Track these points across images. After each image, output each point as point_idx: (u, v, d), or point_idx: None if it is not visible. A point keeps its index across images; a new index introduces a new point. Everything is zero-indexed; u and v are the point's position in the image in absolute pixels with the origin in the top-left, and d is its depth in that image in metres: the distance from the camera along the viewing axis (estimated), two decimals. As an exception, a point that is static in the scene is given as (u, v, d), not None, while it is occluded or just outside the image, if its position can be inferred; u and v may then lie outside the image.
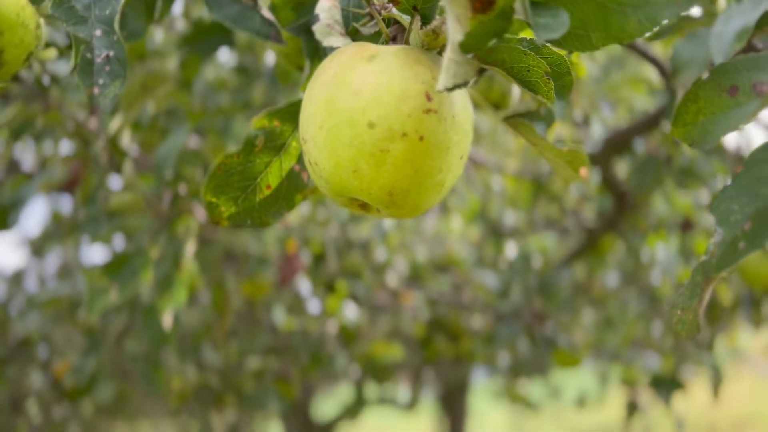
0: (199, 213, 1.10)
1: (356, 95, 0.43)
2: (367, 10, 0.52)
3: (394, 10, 0.48)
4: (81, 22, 0.51)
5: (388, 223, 1.57)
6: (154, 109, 1.08)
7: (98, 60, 0.51)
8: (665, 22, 0.39)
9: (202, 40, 1.03)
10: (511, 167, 1.83)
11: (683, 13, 0.38)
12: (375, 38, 0.53)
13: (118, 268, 0.87)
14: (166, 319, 1.01)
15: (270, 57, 1.30)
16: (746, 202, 0.40)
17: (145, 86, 0.93)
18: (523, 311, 1.62)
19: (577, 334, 1.84)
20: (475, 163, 1.77)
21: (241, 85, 1.53)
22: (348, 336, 1.59)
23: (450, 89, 0.39)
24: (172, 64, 1.09)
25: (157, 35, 1.52)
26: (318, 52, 0.63)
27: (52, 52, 0.95)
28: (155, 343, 1.06)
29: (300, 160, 0.56)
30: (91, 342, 1.33)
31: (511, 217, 1.93)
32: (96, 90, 0.50)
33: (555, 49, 0.45)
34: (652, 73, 1.52)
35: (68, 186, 1.26)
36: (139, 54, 1.17)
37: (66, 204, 2.10)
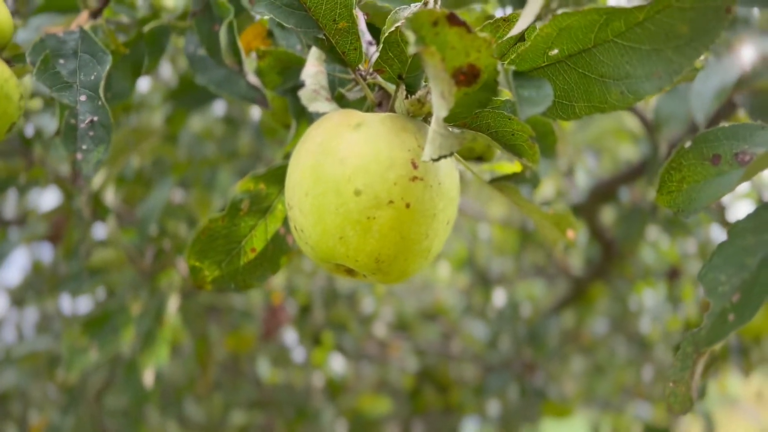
0: (183, 267, 1.08)
1: (342, 163, 0.43)
2: (353, 75, 0.52)
3: (379, 77, 0.48)
4: (65, 88, 0.51)
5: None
6: (138, 162, 1.08)
7: (82, 125, 0.51)
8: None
9: (188, 94, 1.04)
10: (498, 215, 1.84)
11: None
12: (360, 103, 0.54)
13: (98, 326, 0.85)
14: (148, 377, 0.98)
15: (256, 110, 1.31)
16: (733, 273, 0.40)
17: (131, 141, 0.93)
18: (512, 361, 1.60)
19: (568, 383, 1.82)
20: (461, 211, 1.78)
21: (227, 135, 1.54)
22: (334, 389, 1.56)
23: (436, 160, 0.39)
24: (157, 118, 1.09)
25: (143, 85, 1.52)
26: (304, 113, 0.64)
27: (37, 103, 0.95)
28: (137, 400, 1.03)
29: (285, 222, 0.55)
30: (70, 398, 1.29)
31: (498, 265, 1.93)
32: (79, 155, 0.50)
33: (539, 116, 0.45)
34: (635, 123, 1.55)
35: (51, 237, 1.25)
36: (125, 107, 1.17)
37: (47, 253, 2.07)
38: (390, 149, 0.43)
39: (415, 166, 0.43)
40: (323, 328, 1.45)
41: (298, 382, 1.58)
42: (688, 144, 0.44)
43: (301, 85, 0.52)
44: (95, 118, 0.51)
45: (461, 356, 1.76)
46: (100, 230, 1.17)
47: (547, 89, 0.39)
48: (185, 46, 0.59)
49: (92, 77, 0.52)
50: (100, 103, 0.51)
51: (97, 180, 0.92)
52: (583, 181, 1.42)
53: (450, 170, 0.47)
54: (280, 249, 0.56)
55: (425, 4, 0.47)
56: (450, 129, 0.40)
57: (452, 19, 0.35)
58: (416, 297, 1.86)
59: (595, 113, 0.42)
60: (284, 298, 1.42)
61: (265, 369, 1.56)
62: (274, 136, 0.93)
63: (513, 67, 0.40)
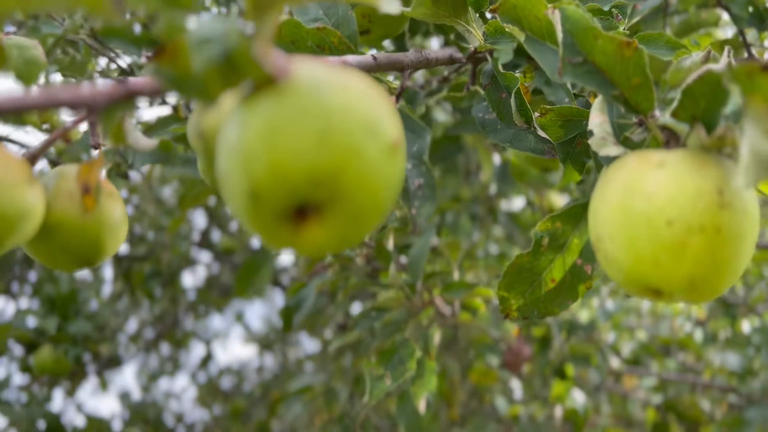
0: (441, 303, 1.21)
1: (651, 198, 0.50)
2: (636, 120, 0.59)
3: (668, 118, 0.55)
4: (396, 159, 0.65)
5: (611, 303, 1.56)
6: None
7: (413, 187, 0.63)
8: None
9: (437, 150, 1.18)
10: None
11: None
12: (644, 144, 0.60)
13: (389, 357, 0.98)
14: (422, 405, 1.10)
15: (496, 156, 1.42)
16: None
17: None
18: (772, 392, 1.49)
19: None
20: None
21: (447, 183, 1.67)
22: (578, 423, 1.57)
23: (748, 188, 0.44)
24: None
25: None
26: (576, 158, 0.72)
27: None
28: (412, 428, 1.15)
29: (581, 254, 0.63)
30: (342, 428, 1.47)
31: (741, 290, 1.81)
32: (413, 211, 0.63)
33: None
34: None
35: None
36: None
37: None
38: (696, 181, 0.49)
39: (721, 195, 0.49)
40: (564, 361, 1.48)
41: (538, 416, 1.61)
42: None
43: (590, 135, 0.60)
44: (421, 181, 0.64)
45: (709, 388, 1.67)
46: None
47: None
48: (474, 112, 0.70)
49: (415, 148, 0.65)
50: (425, 168, 0.64)
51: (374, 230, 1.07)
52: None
53: (752, 195, 0.51)
54: (578, 278, 0.63)
55: (707, 54, 0.53)
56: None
57: (765, 68, 0.41)
58: (651, 328, 1.81)
59: None
60: (521, 330, 1.48)
61: (503, 403, 1.62)
62: (524, 179, 1.02)
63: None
